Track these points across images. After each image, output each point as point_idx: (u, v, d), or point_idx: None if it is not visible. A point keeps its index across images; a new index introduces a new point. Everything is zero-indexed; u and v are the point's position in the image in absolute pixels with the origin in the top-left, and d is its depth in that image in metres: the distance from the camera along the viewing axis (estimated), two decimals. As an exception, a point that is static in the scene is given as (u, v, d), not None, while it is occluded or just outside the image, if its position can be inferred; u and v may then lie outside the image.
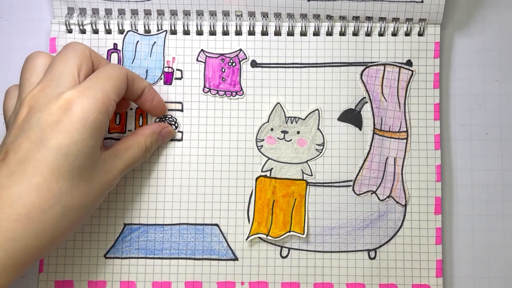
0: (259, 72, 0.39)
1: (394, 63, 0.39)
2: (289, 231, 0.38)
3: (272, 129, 0.39)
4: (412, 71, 0.39)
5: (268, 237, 0.38)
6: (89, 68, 0.33)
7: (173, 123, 0.38)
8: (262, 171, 0.39)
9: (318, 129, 0.39)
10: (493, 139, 0.40)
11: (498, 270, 0.39)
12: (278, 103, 0.39)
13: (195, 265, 0.38)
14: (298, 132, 0.39)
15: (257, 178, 0.39)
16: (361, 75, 0.39)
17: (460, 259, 0.39)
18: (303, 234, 0.38)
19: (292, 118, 0.39)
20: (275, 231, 0.38)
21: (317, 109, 0.39)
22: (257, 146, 0.39)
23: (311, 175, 0.39)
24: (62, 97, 0.30)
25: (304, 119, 0.39)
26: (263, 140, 0.39)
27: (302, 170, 0.39)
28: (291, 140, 0.39)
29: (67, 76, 0.32)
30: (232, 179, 0.39)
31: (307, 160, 0.39)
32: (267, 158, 0.39)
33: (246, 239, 0.38)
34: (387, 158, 0.39)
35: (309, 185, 0.39)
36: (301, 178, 0.39)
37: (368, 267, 0.38)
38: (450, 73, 0.40)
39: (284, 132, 0.39)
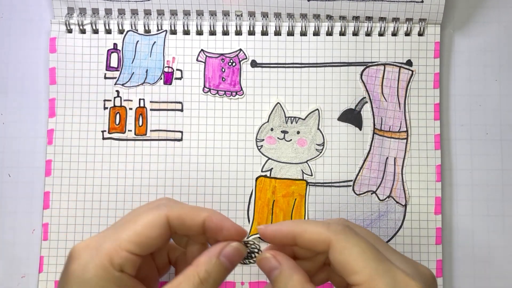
0: (259, 72, 0.39)
1: (394, 63, 0.39)
2: (289, 231, 0.38)
3: (272, 129, 0.39)
4: (412, 71, 0.39)
5: (268, 237, 0.38)
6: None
7: (256, 250, 0.29)
8: (262, 171, 0.39)
9: (318, 129, 0.39)
10: (493, 139, 0.40)
11: (498, 270, 0.39)
12: (278, 103, 0.39)
13: (195, 265, 0.38)
14: (298, 132, 0.39)
15: (257, 178, 0.39)
16: (361, 75, 0.39)
17: (460, 259, 0.39)
18: (303, 234, 0.38)
19: (292, 118, 0.39)
20: (275, 231, 0.38)
21: (317, 109, 0.39)
22: (257, 146, 0.39)
23: (311, 175, 0.39)
24: (70, 251, 0.27)
25: (304, 119, 0.39)
26: (263, 140, 0.39)
27: (302, 170, 0.39)
28: (291, 140, 0.39)
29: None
30: (232, 179, 0.39)
31: (307, 160, 0.39)
32: (267, 158, 0.39)
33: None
34: (387, 158, 0.39)
35: (309, 185, 0.39)
36: (301, 178, 0.39)
37: (368, 267, 0.38)
38: (450, 73, 0.40)
39: (284, 132, 0.39)
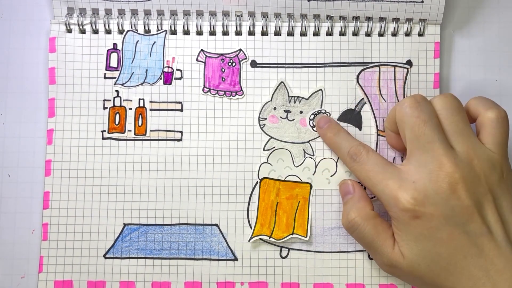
0: (259, 72, 0.39)
1: (388, 63, 0.39)
2: (292, 234, 0.38)
3: (275, 108, 0.39)
4: (407, 68, 0.39)
5: (271, 239, 0.38)
6: None
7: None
8: (264, 150, 0.39)
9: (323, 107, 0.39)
10: (493, 139, 0.39)
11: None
12: (281, 82, 0.39)
13: (195, 265, 0.38)
14: (301, 112, 0.39)
15: (261, 180, 0.39)
16: (357, 78, 0.39)
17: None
18: (306, 237, 0.38)
19: (295, 98, 0.39)
20: (278, 233, 0.38)
21: (321, 89, 0.39)
22: (260, 125, 0.39)
23: (313, 155, 0.38)
24: None
25: (307, 99, 0.39)
26: (266, 119, 0.39)
27: (304, 150, 0.39)
28: (293, 119, 0.39)
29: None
30: (232, 179, 0.39)
31: (309, 140, 0.39)
32: (269, 137, 0.39)
33: (249, 240, 0.38)
34: (394, 158, 0.39)
35: (313, 187, 0.38)
36: (304, 181, 0.39)
37: (368, 267, 0.38)
38: (450, 73, 0.40)
39: (287, 111, 0.39)
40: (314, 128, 0.39)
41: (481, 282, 0.30)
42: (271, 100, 0.39)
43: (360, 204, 0.35)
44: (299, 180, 0.39)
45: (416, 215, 0.31)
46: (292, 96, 0.39)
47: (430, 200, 0.31)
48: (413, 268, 0.32)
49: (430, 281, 0.32)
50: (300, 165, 0.39)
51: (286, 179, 0.39)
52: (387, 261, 0.33)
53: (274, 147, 0.39)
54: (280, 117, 0.39)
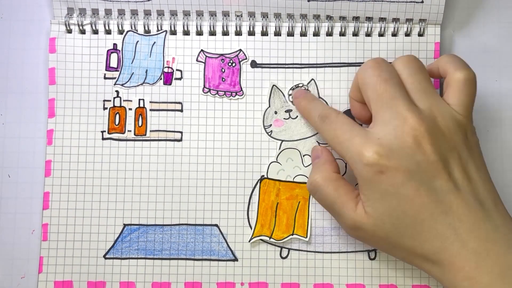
0: (259, 73, 0.39)
1: None
2: (292, 234, 0.38)
3: (276, 112, 0.39)
4: None
5: (271, 240, 0.38)
6: None
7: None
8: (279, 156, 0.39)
9: (320, 97, 0.39)
10: (493, 139, 0.40)
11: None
12: (273, 85, 0.39)
13: (195, 265, 0.38)
14: None
15: (261, 180, 0.39)
16: None
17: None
18: (306, 237, 0.38)
19: (291, 95, 0.39)
20: (278, 234, 0.38)
21: (312, 79, 0.39)
22: (267, 133, 0.39)
23: (327, 144, 0.38)
24: None
25: None
26: (271, 125, 0.39)
27: (317, 141, 0.38)
28: (297, 116, 0.39)
29: None
30: (232, 180, 0.39)
31: None
32: (280, 141, 0.39)
33: (249, 241, 0.38)
34: None
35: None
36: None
37: (368, 267, 0.38)
38: (450, 73, 0.40)
39: (288, 111, 0.39)
40: (292, 100, 0.39)
41: (449, 241, 0.29)
42: (269, 106, 0.39)
43: (324, 167, 0.35)
44: (306, 181, 0.38)
45: (380, 170, 0.30)
46: (289, 95, 0.39)
47: (394, 154, 0.30)
48: (378, 227, 0.31)
49: (396, 242, 0.31)
50: (309, 165, 0.38)
51: (295, 179, 0.38)
52: (350, 222, 0.32)
53: (288, 147, 0.39)
54: (284, 118, 0.39)
